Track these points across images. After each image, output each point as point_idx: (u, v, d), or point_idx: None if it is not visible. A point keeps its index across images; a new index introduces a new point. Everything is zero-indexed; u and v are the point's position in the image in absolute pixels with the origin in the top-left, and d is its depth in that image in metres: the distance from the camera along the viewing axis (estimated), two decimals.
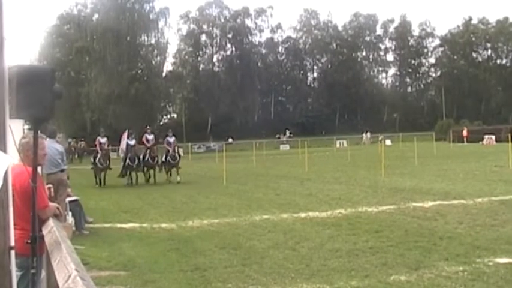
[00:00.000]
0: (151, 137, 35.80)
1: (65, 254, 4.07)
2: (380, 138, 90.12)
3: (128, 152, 34.33)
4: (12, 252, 5.00)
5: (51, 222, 6.06)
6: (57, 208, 6.85)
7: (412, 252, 12.28)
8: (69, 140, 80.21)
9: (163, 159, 35.52)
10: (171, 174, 35.47)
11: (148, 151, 34.75)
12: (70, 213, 15.84)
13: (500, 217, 16.32)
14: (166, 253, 13.43)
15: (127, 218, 19.72)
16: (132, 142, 34.99)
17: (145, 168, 35.48)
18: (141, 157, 34.67)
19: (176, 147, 36.41)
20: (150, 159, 34.59)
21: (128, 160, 34.04)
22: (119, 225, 18.19)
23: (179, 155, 36.59)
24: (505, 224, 15.09)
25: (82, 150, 79.34)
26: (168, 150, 35.45)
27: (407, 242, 13.32)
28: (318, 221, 17.08)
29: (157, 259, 12.79)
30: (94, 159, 34.83)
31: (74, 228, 15.35)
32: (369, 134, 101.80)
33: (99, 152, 34.51)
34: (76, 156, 78.13)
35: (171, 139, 35.79)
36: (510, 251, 12.06)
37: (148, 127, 37.95)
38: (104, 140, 35.09)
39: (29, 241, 5.34)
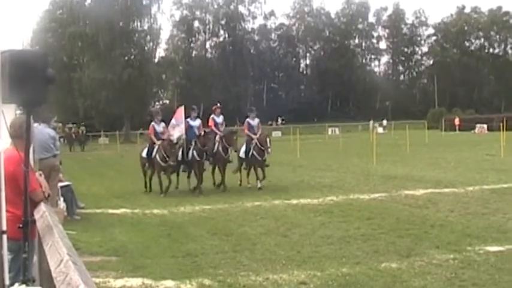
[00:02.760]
0: (220, 119, 24.50)
1: (57, 239, 4.08)
2: (385, 124, 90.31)
3: (190, 139, 22.97)
4: (4, 237, 5.00)
5: (43, 207, 6.06)
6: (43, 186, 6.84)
7: (403, 240, 12.32)
8: (70, 125, 74.11)
9: (244, 152, 23.93)
10: (247, 175, 24.40)
11: (221, 140, 23.32)
12: (62, 199, 15.82)
13: (491, 205, 16.38)
14: (158, 239, 13.45)
15: (119, 204, 19.73)
16: (197, 123, 23.71)
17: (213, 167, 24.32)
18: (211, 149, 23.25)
19: (265, 136, 24.23)
20: (222, 151, 23.13)
21: (192, 152, 22.66)
22: (110, 211, 18.20)
23: (268, 147, 23.32)
24: (496, 213, 15.15)
25: (84, 137, 73.34)
26: (251, 139, 23.83)
27: (398, 229, 13.36)
28: (309, 208, 17.12)
29: (149, 245, 12.81)
30: (149, 154, 23.04)
31: (65, 214, 15.33)
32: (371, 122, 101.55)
33: (158, 143, 22.66)
34: (78, 143, 70.22)
35: (254, 121, 24.58)
36: (501, 239, 12.11)
37: (218, 104, 25.76)
38: (160, 127, 23.52)
39: (21, 225, 5.35)
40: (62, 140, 58.95)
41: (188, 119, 23.66)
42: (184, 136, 23.07)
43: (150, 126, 23.67)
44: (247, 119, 24.74)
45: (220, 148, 23.14)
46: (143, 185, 23.69)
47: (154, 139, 22.99)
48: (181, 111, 24.02)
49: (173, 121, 23.90)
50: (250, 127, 24.39)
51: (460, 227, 13.51)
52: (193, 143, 22.75)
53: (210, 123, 24.38)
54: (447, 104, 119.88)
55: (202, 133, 22.99)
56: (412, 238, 12.49)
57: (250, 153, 23.60)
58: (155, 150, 22.62)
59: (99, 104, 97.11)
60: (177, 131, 23.35)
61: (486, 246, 11.48)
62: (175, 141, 22.53)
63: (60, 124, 61.58)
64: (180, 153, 22.80)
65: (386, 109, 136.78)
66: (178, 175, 23.81)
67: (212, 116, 24.49)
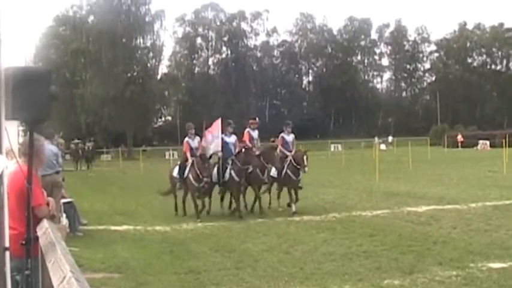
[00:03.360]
0: (256, 134, 22.04)
1: (60, 255, 4.08)
2: (390, 141, 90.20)
3: (226, 157, 20.70)
4: (7, 253, 5.00)
5: (45, 223, 6.06)
6: (47, 203, 6.84)
7: (406, 257, 12.31)
8: (76, 141, 67.47)
9: (276, 172, 21.25)
10: (278, 196, 22.16)
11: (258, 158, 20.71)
12: (64, 215, 15.82)
13: (493, 222, 16.37)
14: (160, 255, 13.45)
15: (121, 220, 19.71)
16: (232, 139, 21.55)
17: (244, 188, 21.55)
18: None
19: (303, 154, 21.59)
20: (259, 171, 20.66)
21: (230, 171, 20.36)
22: (113, 228, 18.20)
23: (305, 166, 20.96)
24: (499, 229, 15.15)
25: (91, 153, 66.99)
26: (285, 156, 21.40)
27: (401, 246, 13.35)
28: (312, 225, 17.12)
29: (151, 261, 12.80)
30: (181, 173, 20.69)
31: (68, 230, 15.33)
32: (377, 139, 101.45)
33: (191, 159, 20.38)
34: (84, 160, 64.03)
35: (289, 137, 22.27)
36: (503, 256, 12.10)
37: (257, 119, 23.28)
38: (195, 142, 21.11)
39: (23, 242, 5.35)
40: (67, 156, 58.07)
41: (222, 135, 21.03)
42: (220, 153, 20.67)
43: (185, 143, 20.98)
44: (282, 134, 22.35)
45: (257, 168, 20.51)
46: (145, 202, 23.55)
47: (189, 155, 20.47)
48: (218, 124, 21.36)
49: (209, 136, 21.32)
50: (285, 143, 22.00)
51: (462, 243, 13.51)
52: (229, 162, 20.42)
53: (244, 138, 21.80)
54: (449, 121, 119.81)
55: (243, 150, 20.78)
56: (415, 255, 12.48)
57: (284, 172, 21.03)
58: (187, 168, 20.22)
59: (101, 121, 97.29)
60: (213, 146, 20.96)
61: (489, 263, 11.48)
62: (208, 155, 20.48)
63: (62, 141, 57.58)
64: (215, 172, 20.47)
65: (389, 126, 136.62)
66: (210, 197, 21.00)
67: (247, 129, 22.06)
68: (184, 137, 21.37)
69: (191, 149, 20.67)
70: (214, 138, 20.99)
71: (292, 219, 18.07)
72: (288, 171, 20.96)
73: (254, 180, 20.79)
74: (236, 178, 20.11)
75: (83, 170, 58.51)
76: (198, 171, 19.59)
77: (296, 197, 20.90)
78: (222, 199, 21.41)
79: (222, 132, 21.03)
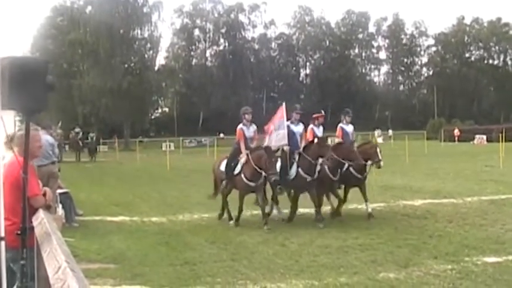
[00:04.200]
0: (320, 131, 18.23)
1: (55, 246, 4.08)
2: (390, 134, 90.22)
3: (293, 149, 17.00)
4: (2, 243, 5.00)
5: (41, 213, 6.06)
6: (44, 193, 6.83)
7: (402, 250, 12.33)
8: (77, 130, 62.42)
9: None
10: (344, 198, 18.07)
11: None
12: (60, 206, 15.81)
13: (489, 216, 16.39)
14: (156, 247, 13.44)
15: (117, 211, 19.70)
16: (300, 128, 17.81)
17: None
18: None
19: (375, 146, 18.23)
20: (329, 171, 16.82)
21: (297, 168, 16.69)
22: (109, 218, 18.18)
23: (379, 161, 17.52)
24: (494, 224, 15.17)
25: (95, 145, 63.06)
26: (351, 151, 17.06)
27: (396, 239, 13.37)
28: (308, 218, 17.10)
29: (147, 253, 12.79)
30: (232, 166, 16.92)
31: (64, 221, 15.32)
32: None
33: (245, 153, 16.53)
34: (87, 152, 60.76)
35: (349, 127, 18.97)
36: (498, 250, 12.12)
37: (322, 112, 19.08)
38: (251, 130, 17.19)
39: (18, 232, 5.35)
40: (66, 147, 56.95)
41: (288, 123, 17.44)
42: (287, 147, 16.80)
43: (238, 130, 17.06)
44: (340, 124, 18.93)
45: (325, 166, 16.69)
46: (142, 193, 23.45)
47: (243, 147, 16.65)
48: (282, 111, 17.58)
49: (271, 126, 17.56)
50: (345, 134, 18.58)
51: (458, 237, 13.52)
52: (296, 156, 16.80)
53: (308, 137, 17.68)
54: (447, 115, 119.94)
55: (316, 139, 16.84)
56: (410, 248, 12.49)
57: (344, 168, 17.30)
58: (240, 164, 16.49)
59: (98, 111, 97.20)
60: (277, 138, 17.12)
61: (484, 257, 11.49)
62: (275, 148, 16.71)
63: (61, 131, 53.62)
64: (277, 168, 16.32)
65: (386, 119, 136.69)
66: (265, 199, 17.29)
67: (311, 126, 18.09)
68: (238, 124, 17.23)
69: (245, 138, 16.88)
70: (278, 128, 17.26)
71: (288, 212, 17.97)
72: (351, 169, 17.37)
73: (322, 181, 16.83)
74: (305, 175, 16.37)
75: (83, 161, 56.48)
76: (259, 167, 15.81)
77: (364, 197, 17.65)
78: (277, 201, 18.05)
79: (288, 120, 17.43)
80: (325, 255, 12.17)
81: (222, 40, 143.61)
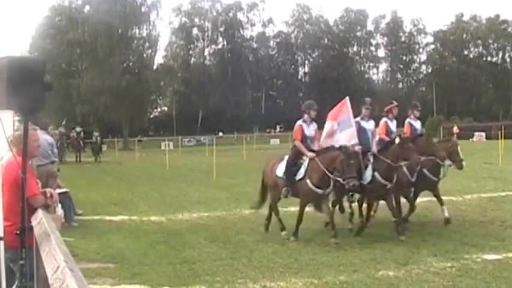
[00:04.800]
0: (394, 124, 16.43)
1: (54, 245, 4.08)
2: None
3: (364, 150, 14.52)
4: (1, 243, 5.00)
5: (40, 213, 6.06)
6: (50, 195, 6.84)
7: (401, 248, 12.33)
8: (78, 129, 58.23)
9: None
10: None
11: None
12: (59, 205, 15.80)
13: (489, 214, 16.41)
14: (156, 246, 13.44)
15: (117, 211, 19.69)
16: (371, 125, 15.58)
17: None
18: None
19: (455, 143, 16.06)
20: (408, 172, 14.65)
21: (373, 171, 14.06)
22: (108, 218, 18.17)
23: (461, 160, 15.70)
24: (494, 221, 15.19)
25: (99, 145, 59.44)
26: (430, 145, 15.25)
27: (395, 237, 13.34)
28: (307, 216, 17.01)
29: (146, 252, 12.80)
30: (292, 170, 14.17)
31: (63, 220, 15.31)
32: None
33: (309, 156, 13.91)
34: (92, 152, 58.07)
35: (418, 123, 17.60)
36: (498, 247, 12.13)
37: (394, 102, 17.08)
38: (311, 128, 14.69)
39: (18, 232, 5.35)
40: (67, 147, 55.51)
41: (358, 119, 15.30)
42: (359, 147, 14.11)
43: (296, 128, 14.61)
44: (408, 120, 17.14)
45: (404, 168, 14.36)
46: (141, 192, 23.42)
47: (303, 149, 14.11)
48: (347, 105, 15.22)
49: (334, 125, 15.15)
50: (413, 131, 16.80)
51: (457, 235, 13.53)
52: (370, 157, 14.33)
53: (380, 131, 15.89)
54: (445, 112, 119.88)
55: (398, 139, 14.59)
56: (410, 246, 12.50)
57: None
58: (304, 168, 13.91)
59: (97, 111, 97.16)
60: (345, 137, 14.54)
61: (484, 255, 11.51)
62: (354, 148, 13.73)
63: (62, 130, 50.32)
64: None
65: None
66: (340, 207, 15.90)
67: (384, 119, 16.17)
68: (297, 120, 14.84)
69: (305, 137, 14.44)
70: (344, 127, 14.83)
71: (287, 210, 17.89)
72: (425, 170, 15.31)
73: (401, 184, 14.49)
74: (382, 180, 13.89)
75: (84, 162, 53.47)
76: (330, 171, 13.32)
77: (440, 200, 15.80)
78: (342, 209, 15.87)
79: (356, 116, 15.22)
80: (325, 253, 12.19)
81: (220, 39, 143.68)
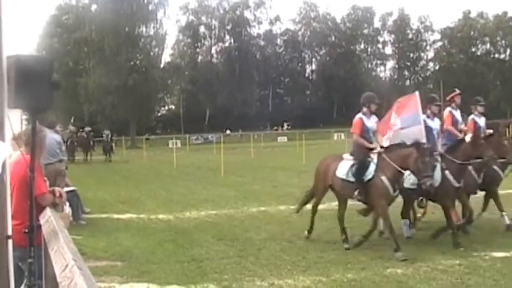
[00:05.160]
0: (483, 121, 15.83)
1: (62, 244, 4.09)
2: None
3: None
4: (10, 242, 5.01)
5: (48, 212, 6.07)
6: (59, 195, 6.87)
7: (409, 246, 12.31)
8: (88, 129, 57.95)
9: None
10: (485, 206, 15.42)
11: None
12: (67, 204, 15.83)
13: (497, 211, 16.30)
14: (163, 244, 13.46)
15: (124, 209, 19.72)
16: (437, 124, 14.54)
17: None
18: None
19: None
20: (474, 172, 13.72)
21: (443, 172, 12.93)
22: (116, 216, 18.20)
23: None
24: (502, 218, 15.11)
25: (110, 144, 57.49)
26: (501, 145, 14.40)
27: (403, 235, 13.30)
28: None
29: (154, 250, 12.81)
30: (360, 170, 12.61)
31: (71, 219, 15.34)
32: None
33: (377, 150, 12.67)
34: (103, 152, 56.72)
35: (482, 120, 15.98)
36: (506, 244, 12.11)
37: (457, 90, 16.28)
38: (372, 121, 13.31)
39: (26, 230, 5.36)
40: (76, 146, 54.76)
41: (424, 117, 13.94)
42: (426, 145, 12.24)
43: (356, 120, 13.33)
44: (472, 116, 15.77)
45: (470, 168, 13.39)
46: (149, 190, 23.41)
47: (366, 143, 12.96)
48: (416, 101, 13.89)
49: (397, 120, 14.12)
50: (477, 129, 15.21)
51: None
52: (438, 157, 13.02)
53: (447, 122, 14.93)
54: None
55: (468, 136, 14.00)
56: (418, 244, 12.49)
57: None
58: (373, 165, 12.45)
59: (104, 109, 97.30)
60: (410, 134, 13.10)
61: (492, 252, 11.49)
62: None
63: (73, 128, 50.59)
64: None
65: None
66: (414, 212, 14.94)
67: (449, 109, 15.25)
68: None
69: (364, 130, 13.15)
70: (409, 124, 13.75)
71: (295, 208, 17.95)
72: (495, 168, 14.40)
73: (467, 185, 13.51)
74: (455, 182, 12.94)
75: (94, 161, 52.77)
76: (403, 169, 12.08)
77: (499, 205, 14.79)
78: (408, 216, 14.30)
79: (423, 113, 13.86)
80: (332, 251, 12.19)
81: (227, 37, 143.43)
